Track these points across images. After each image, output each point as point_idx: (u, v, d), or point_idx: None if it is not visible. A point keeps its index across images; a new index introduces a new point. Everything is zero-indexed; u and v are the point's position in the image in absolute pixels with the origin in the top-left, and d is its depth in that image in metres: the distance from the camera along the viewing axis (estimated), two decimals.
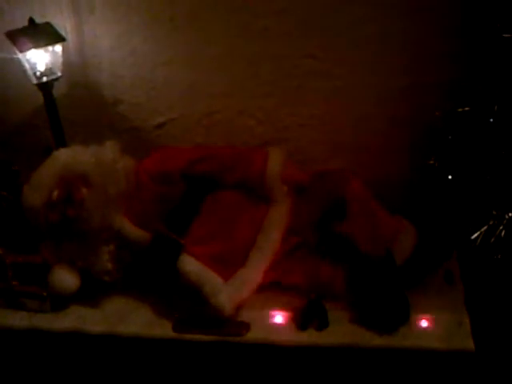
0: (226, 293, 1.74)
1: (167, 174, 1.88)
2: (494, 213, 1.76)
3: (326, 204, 1.87)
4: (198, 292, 1.73)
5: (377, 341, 1.69)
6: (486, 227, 1.77)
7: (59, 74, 2.07)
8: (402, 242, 1.83)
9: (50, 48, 2.00)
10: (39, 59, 2.00)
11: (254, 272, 1.80)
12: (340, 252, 1.84)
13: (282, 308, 1.79)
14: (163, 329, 1.78)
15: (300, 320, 1.75)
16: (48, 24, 2.03)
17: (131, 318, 1.82)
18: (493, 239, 1.76)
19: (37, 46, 1.96)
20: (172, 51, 2.16)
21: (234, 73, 2.15)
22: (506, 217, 1.75)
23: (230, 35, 2.10)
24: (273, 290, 1.84)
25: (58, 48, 2.03)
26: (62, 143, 2.11)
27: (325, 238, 1.85)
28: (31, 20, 1.99)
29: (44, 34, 1.98)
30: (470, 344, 1.66)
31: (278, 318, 1.78)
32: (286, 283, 1.84)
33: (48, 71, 2.03)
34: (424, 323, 1.72)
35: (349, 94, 2.11)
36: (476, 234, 1.77)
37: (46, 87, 2.05)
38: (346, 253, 1.83)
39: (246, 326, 1.76)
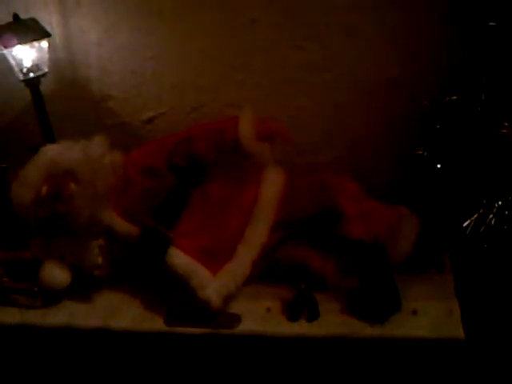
0: (213, 286, 1.74)
1: (153, 167, 1.87)
2: (484, 201, 1.76)
3: (317, 204, 1.84)
4: (186, 285, 1.73)
5: (368, 331, 1.69)
6: (476, 216, 1.77)
7: (46, 69, 2.06)
8: (404, 233, 1.82)
9: (35, 44, 2.00)
10: (25, 55, 1.99)
11: (242, 265, 1.79)
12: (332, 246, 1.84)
13: (272, 299, 1.80)
14: (155, 322, 1.79)
15: (290, 311, 1.75)
16: (33, 19, 2.02)
17: (123, 313, 1.83)
18: (483, 228, 1.76)
19: (22, 42, 1.96)
20: (160, 45, 2.16)
21: (222, 65, 2.14)
22: (496, 205, 1.75)
23: (217, 28, 2.09)
24: (263, 281, 1.84)
25: (44, 44, 2.03)
26: (51, 140, 2.11)
27: (318, 237, 1.85)
28: (16, 16, 1.98)
29: (29, 30, 1.98)
30: (460, 332, 1.66)
31: (269, 309, 1.77)
32: (276, 274, 1.84)
33: (34, 67, 2.03)
34: (414, 312, 1.72)
35: (338, 84, 2.11)
36: (466, 223, 1.77)
37: (33, 83, 2.05)
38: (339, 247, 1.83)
39: (237, 318, 1.76)
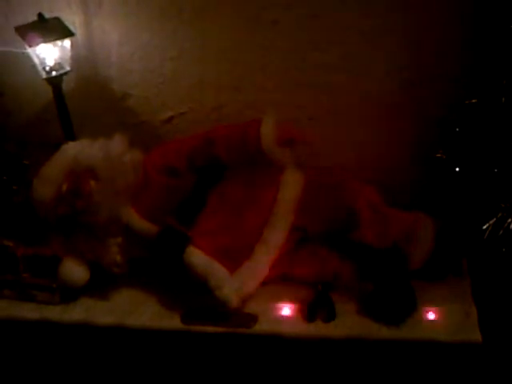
0: (231, 286, 1.74)
1: (172, 166, 1.87)
2: (503, 205, 1.76)
3: (334, 208, 1.84)
4: (204, 284, 1.74)
5: (384, 333, 1.70)
6: (494, 220, 1.76)
7: (68, 68, 2.08)
8: (422, 236, 1.82)
9: (58, 43, 2.01)
10: (48, 54, 2.01)
11: (260, 265, 1.80)
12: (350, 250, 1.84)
13: (289, 300, 1.80)
14: (172, 320, 1.80)
15: (307, 312, 1.76)
16: (57, 19, 2.04)
17: (140, 310, 1.84)
18: (501, 231, 1.75)
19: (46, 41, 1.98)
20: (180, 45, 2.17)
21: (242, 66, 2.15)
22: None
23: (238, 29, 2.10)
24: (280, 281, 1.85)
25: (67, 43, 2.05)
26: (72, 137, 2.13)
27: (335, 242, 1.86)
28: (40, 15, 2.01)
29: (53, 29, 2.00)
30: (477, 336, 1.65)
31: (286, 309, 1.78)
32: (293, 275, 1.85)
33: (57, 66, 2.05)
34: (431, 315, 1.72)
35: (356, 87, 2.10)
36: (485, 227, 1.77)
37: (55, 82, 2.07)
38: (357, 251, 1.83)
39: (254, 318, 1.77)
